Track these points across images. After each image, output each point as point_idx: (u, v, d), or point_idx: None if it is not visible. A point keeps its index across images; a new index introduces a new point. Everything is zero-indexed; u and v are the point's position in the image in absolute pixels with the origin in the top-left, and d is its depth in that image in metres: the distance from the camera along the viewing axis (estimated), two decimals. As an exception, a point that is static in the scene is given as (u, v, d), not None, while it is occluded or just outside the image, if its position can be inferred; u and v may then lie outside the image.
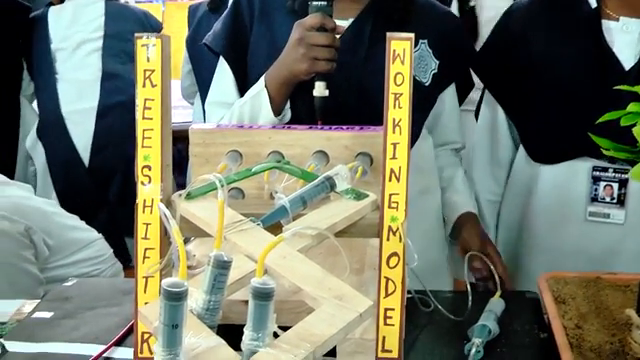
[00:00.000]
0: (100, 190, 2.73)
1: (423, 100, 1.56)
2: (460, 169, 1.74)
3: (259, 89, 1.48)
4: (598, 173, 1.55)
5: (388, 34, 0.94)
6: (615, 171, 1.53)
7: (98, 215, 2.63)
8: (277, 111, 1.47)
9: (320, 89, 1.42)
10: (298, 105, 1.50)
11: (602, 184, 1.54)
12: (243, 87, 1.57)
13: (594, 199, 1.56)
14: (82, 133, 2.72)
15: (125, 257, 2.42)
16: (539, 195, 1.64)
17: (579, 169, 1.57)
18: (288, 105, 1.50)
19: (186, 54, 2.91)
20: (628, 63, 1.52)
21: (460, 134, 1.74)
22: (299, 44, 1.40)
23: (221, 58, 1.63)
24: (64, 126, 2.72)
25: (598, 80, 1.52)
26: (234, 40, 1.59)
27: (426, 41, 1.57)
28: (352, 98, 1.51)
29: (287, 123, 1.50)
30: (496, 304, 1.22)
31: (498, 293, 1.25)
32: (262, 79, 1.49)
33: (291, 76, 1.43)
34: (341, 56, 1.42)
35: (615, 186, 1.54)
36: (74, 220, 2.09)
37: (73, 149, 2.71)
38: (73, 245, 2.01)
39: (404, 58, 0.93)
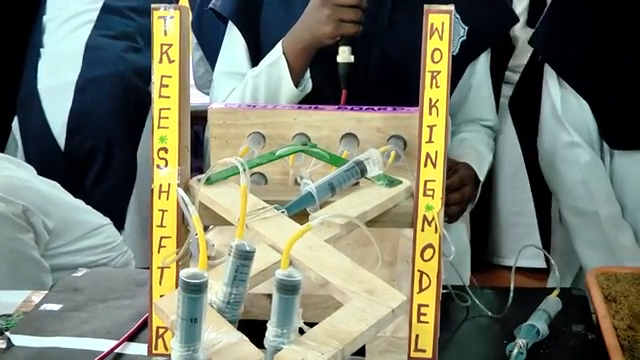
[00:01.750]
0: (77, 175, 2.65)
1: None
2: (487, 146, 1.67)
3: (276, 57, 1.47)
4: None
5: (426, 6, 0.94)
6: None
7: None
8: (296, 81, 1.46)
9: (345, 54, 1.42)
10: (320, 74, 1.49)
11: None
12: (256, 55, 1.56)
13: None
14: (58, 111, 2.63)
15: None
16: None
17: None
18: (308, 74, 1.49)
19: (194, 40, 2.84)
20: None
21: (493, 112, 1.70)
22: (323, 5, 1.39)
23: (230, 24, 1.61)
24: (39, 103, 2.64)
25: None
26: (245, 3, 1.58)
27: (453, 6, 1.56)
28: (376, 69, 1.51)
29: (309, 95, 1.50)
30: (551, 303, 1.21)
31: (556, 292, 1.24)
32: (279, 46, 1.47)
33: (313, 41, 1.43)
34: (363, 25, 1.42)
35: None
36: (79, 203, 2.10)
37: (47, 128, 2.63)
38: (78, 229, 2.01)
39: (443, 33, 0.93)
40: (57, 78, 2.66)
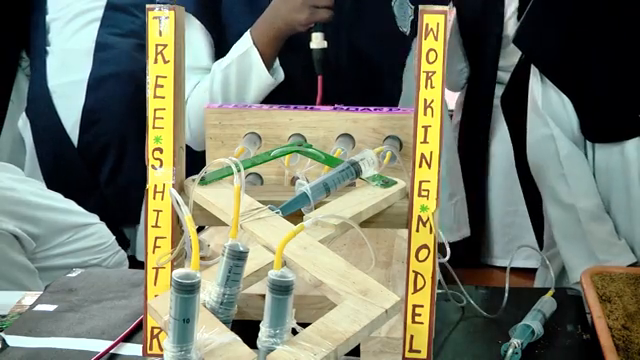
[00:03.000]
0: (91, 171, 2.67)
1: (405, 50, 1.60)
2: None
3: (247, 47, 1.46)
4: None
5: (421, 7, 0.93)
6: None
7: (89, 200, 2.60)
8: (268, 70, 1.46)
9: (318, 40, 1.42)
10: (292, 63, 1.49)
11: None
12: (219, 48, 1.55)
13: None
14: (70, 108, 2.63)
15: (122, 246, 2.39)
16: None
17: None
18: (278, 62, 1.49)
19: None
20: None
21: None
22: None
23: (188, 19, 1.60)
24: (50, 101, 2.65)
25: None
26: None
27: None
28: (342, 58, 1.51)
29: (282, 85, 1.49)
30: (546, 303, 1.21)
31: (551, 292, 1.24)
32: (247, 36, 1.46)
33: (286, 28, 1.43)
34: None
35: None
36: (68, 204, 2.09)
37: (60, 126, 2.64)
38: (66, 232, 2.00)
39: (438, 33, 0.93)
40: (68, 76, 2.67)
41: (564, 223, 1.67)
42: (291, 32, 1.43)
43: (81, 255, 2.00)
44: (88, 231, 2.06)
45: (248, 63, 1.45)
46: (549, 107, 1.65)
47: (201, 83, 1.53)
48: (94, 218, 2.12)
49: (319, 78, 1.42)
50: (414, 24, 1.61)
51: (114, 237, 2.15)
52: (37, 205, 1.94)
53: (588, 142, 1.64)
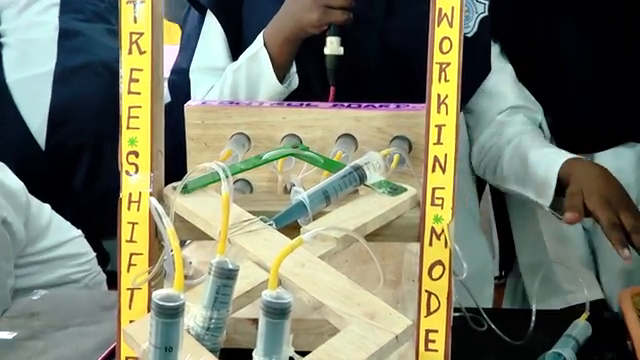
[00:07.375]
0: (63, 177, 2.66)
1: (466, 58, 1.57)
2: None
3: (257, 49, 1.47)
4: None
5: (433, -11, 0.94)
6: None
7: (62, 210, 2.59)
8: (280, 76, 1.47)
9: (333, 46, 1.42)
10: (307, 69, 1.50)
11: None
12: (237, 49, 1.56)
13: None
14: (35, 106, 2.63)
15: (101, 260, 2.39)
16: None
17: (625, 155, 1.60)
18: (294, 69, 1.50)
19: None
20: None
21: (525, 94, 1.65)
22: None
23: (207, 17, 1.62)
24: (10, 99, 2.63)
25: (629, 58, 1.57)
26: None
27: None
28: (372, 59, 1.51)
29: (295, 92, 1.50)
30: (580, 328, 1.21)
31: (584, 315, 1.24)
32: (260, 37, 1.48)
33: (297, 29, 1.43)
34: (359, 9, 1.43)
35: None
36: (52, 213, 2.10)
37: (24, 127, 2.62)
38: (51, 236, 2.02)
39: (452, 19, 0.93)
40: (29, 69, 2.66)
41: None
42: (303, 34, 1.43)
43: (62, 266, 2.02)
44: (71, 241, 2.08)
45: (257, 66, 1.46)
46: None
47: (215, 86, 1.55)
48: (75, 230, 2.13)
49: (331, 89, 1.42)
50: (488, 24, 1.57)
51: (95, 254, 2.16)
52: (26, 203, 1.96)
53: None
